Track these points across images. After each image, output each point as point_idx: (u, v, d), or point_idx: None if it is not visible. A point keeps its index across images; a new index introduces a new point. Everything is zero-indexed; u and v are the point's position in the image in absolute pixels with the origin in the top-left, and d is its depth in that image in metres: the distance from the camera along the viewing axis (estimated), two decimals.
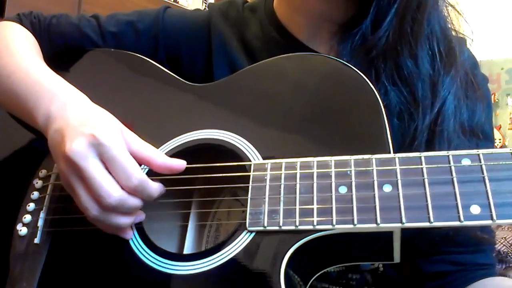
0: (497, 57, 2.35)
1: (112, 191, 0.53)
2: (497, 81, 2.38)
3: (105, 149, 0.53)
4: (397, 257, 0.54)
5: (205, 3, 2.85)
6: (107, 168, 0.54)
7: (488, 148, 0.69)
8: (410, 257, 0.73)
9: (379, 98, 0.58)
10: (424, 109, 0.64)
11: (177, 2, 2.71)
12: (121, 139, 0.55)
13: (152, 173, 0.59)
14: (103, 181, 0.53)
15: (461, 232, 0.65)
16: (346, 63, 0.62)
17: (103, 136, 0.53)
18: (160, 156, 0.58)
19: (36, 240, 0.62)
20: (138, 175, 0.54)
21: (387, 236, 0.52)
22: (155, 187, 0.56)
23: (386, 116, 0.57)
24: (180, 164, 0.58)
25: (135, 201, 0.55)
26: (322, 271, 0.56)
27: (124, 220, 0.56)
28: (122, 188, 0.54)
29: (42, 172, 0.67)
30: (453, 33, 0.70)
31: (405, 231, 0.73)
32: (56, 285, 0.61)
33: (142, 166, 0.59)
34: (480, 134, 0.68)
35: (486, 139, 0.71)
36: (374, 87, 0.59)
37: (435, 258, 0.68)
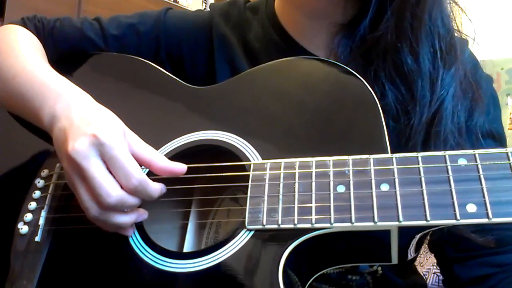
0: (497, 57, 2.35)
1: (112, 191, 0.53)
2: (497, 81, 2.37)
3: (106, 148, 0.53)
4: (394, 258, 0.55)
5: (205, 3, 2.85)
6: (108, 168, 0.54)
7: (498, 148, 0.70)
8: (444, 264, 0.71)
9: (377, 101, 0.58)
10: (421, 107, 0.63)
11: (177, 2, 2.71)
12: (122, 140, 0.56)
13: (153, 173, 0.59)
14: (103, 180, 0.53)
15: (493, 232, 0.64)
16: (345, 66, 0.62)
17: (105, 136, 0.54)
18: (161, 159, 0.58)
19: (37, 239, 0.63)
20: (138, 175, 0.54)
21: (385, 235, 0.52)
22: (155, 188, 0.57)
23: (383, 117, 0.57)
24: (181, 167, 0.59)
25: (134, 201, 0.56)
26: (320, 273, 0.57)
27: (125, 219, 0.57)
28: (122, 188, 0.54)
29: (44, 172, 0.68)
30: (455, 33, 0.69)
31: (432, 239, 0.72)
32: (56, 283, 0.61)
33: (143, 167, 0.59)
34: (476, 135, 0.67)
35: (495, 139, 0.69)
36: (373, 90, 0.59)
37: (472, 262, 0.66)
